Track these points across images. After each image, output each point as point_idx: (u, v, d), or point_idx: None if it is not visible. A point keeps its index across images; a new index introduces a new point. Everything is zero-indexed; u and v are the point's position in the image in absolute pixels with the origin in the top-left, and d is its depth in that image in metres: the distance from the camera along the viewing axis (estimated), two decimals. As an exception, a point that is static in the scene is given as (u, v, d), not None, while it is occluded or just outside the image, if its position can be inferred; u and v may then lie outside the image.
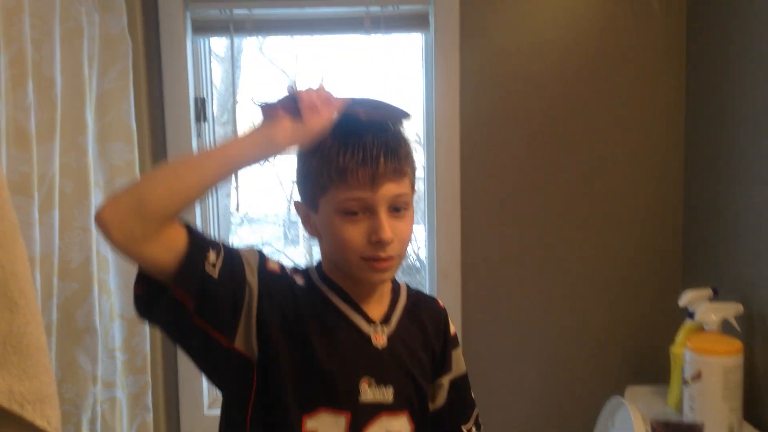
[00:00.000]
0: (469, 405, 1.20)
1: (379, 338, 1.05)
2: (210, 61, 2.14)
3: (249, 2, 1.99)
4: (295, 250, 5.96)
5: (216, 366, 0.99)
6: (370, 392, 1.02)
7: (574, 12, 1.97)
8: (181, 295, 0.89)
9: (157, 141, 2.00)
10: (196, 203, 0.98)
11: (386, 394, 1.03)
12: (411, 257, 3.48)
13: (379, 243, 0.96)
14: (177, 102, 1.99)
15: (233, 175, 1.00)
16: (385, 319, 1.07)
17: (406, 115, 1.04)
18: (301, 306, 1.01)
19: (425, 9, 2.00)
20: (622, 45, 1.96)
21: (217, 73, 2.24)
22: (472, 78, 1.98)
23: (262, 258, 1.01)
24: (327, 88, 1.00)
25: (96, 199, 1.73)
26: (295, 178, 1.05)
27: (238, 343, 0.95)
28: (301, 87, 0.98)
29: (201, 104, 2.06)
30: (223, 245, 0.96)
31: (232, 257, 0.95)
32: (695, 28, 1.92)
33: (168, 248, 0.88)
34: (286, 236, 5.97)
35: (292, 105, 0.96)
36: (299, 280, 1.05)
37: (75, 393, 1.64)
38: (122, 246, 0.84)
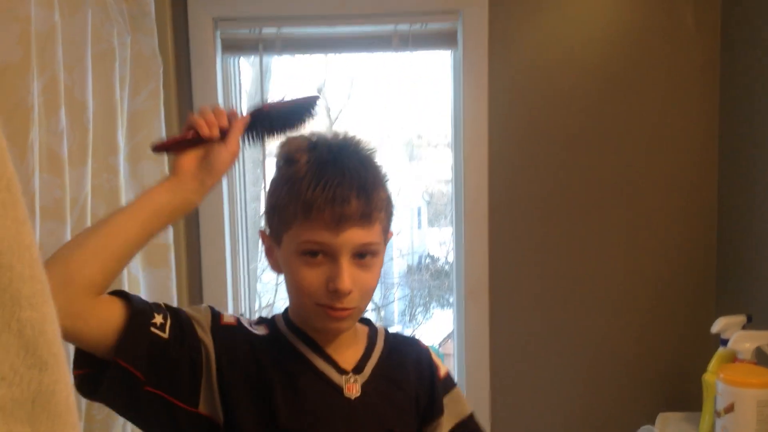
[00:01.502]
0: None
1: (352, 388, 0.95)
2: (239, 80, 2.15)
3: (278, 21, 2.00)
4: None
5: None
6: None
7: (604, 27, 1.95)
8: (127, 365, 0.82)
9: (186, 159, 2.01)
10: (125, 268, 0.94)
11: None
12: (440, 263, 3.46)
13: (336, 293, 0.89)
14: (207, 120, 2.01)
15: (161, 230, 0.92)
16: (358, 368, 0.98)
17: (313, 99, 0.98)
18: (264, 359, 0.94)
19: (453, 27, 1.99)
20: (655, 60, 1.93)
21: (247, 79, 2.25)
22: (500, 95, 1.97)
23: (214, 314, 0.94)
24: (224, 107, 0.94)
25: (127, 218, 1.75)
26: (265, 205, 0.99)
27: (203, 408, 0.89)
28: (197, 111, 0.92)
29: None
30: (167, 308, 0.90)
31: (180, 318, 0.89)
32: (729, 44, 1.88)
33: (104, 320, 0.82)
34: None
35: (189, 136, 0.90)
36: (261, 331, 0.98)
37: (106, 413, 1.65)
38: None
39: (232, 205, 2.11)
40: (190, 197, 0.91)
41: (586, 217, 1.98)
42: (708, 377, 1.63)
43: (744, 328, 1.60)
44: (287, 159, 0.94)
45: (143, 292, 1.84)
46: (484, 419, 2.00)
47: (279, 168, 0.95)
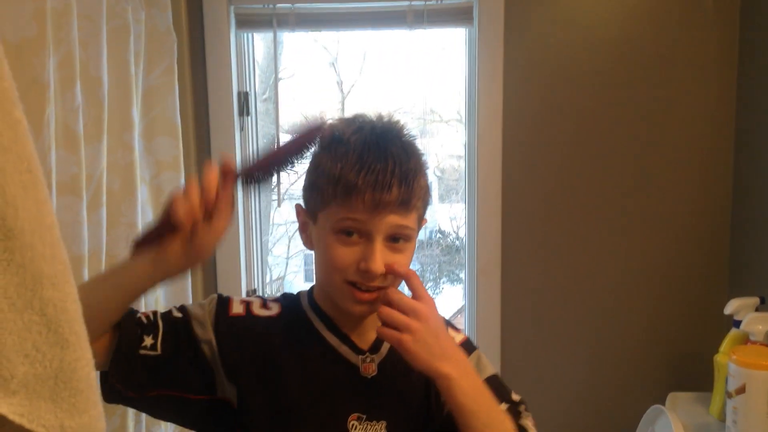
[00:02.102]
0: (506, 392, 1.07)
1: (369, 367, 0.97)
2: (253, 56, 2.15)
3: (292, -4, 1.98)
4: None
5: (199, 417, 0.97)
6: (360, 430, 0.94)
7: (621, 6, 1.92)
8: (121, 386, 0.89)
9: (201, 135, 2.02)
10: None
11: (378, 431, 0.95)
12: (450, 238, 3.47)
13: (367, 272, 0.89)
14: (220, 97, 2.01)
15: (141, 296, 0.91)
16: (375, 347, 0.99)
17: (314, 133, 0.92)
18: (275, 339, 0.96)
19: (469, 3, 1.97)
20: (671, 41, 1.91)
21: (259, 53, 2.23)
22: (516, 73, 1.95)
23: (220, 307, 0.97)
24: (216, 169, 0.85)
25: (142, 194, 1.77)
26: (303, 180, 0.98)
27: (221, 394, 0.94)
28: (175, 197, 0.83)
29: (244, 98, 2.07)
30: (164, 318, 0.94)
31: (176, 326, 0.93)
32: (748, 26, 1.85)
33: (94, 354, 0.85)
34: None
35: (167, 229, 0.84)
36: (274, 310, 1.00)
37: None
38: None
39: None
40: (172, 273, 0.88)
41: (599, 196, 1.97)
42: (720, 358, 1.63)
43: (757, 309, 1.60)
44: (331, 138, 0.93)
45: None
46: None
47: (322, 146, 0.94)
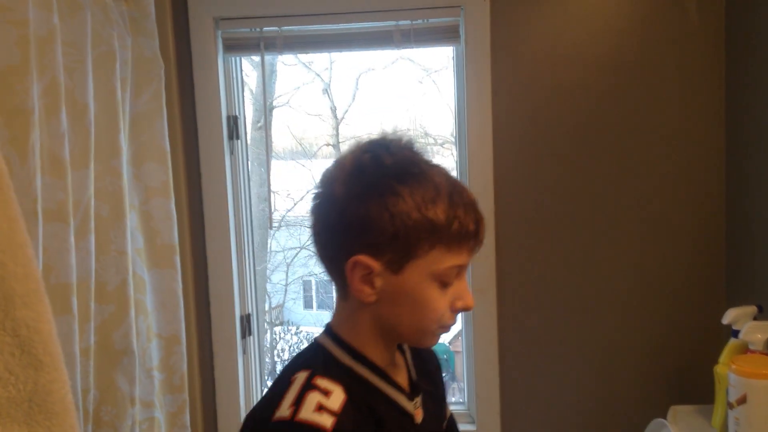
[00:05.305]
0: None
1: (419, 414, 0.92)
2: (242, 79, 2.15)
3: (279, 20, 1.99)
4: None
5: None
6: None
7: (607, 20, 1.93)
8: None
9: (190, 160, 2.02)
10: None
11: None
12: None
13: (464, 310, 0.88)
14: (209, 121, 2.01)
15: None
16: (414, 389, 0.94)
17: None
18: (364, 428, 0.85)
19: (455, 21, 1.97)
20: (659, 54, 1.91)
21: (252, 80, 2.24)
22: (504, 90, 1.95)
23: None
24: None
25: (131, 221, 1.75)
26: (357, 225, 0.84)
27: None
28: None
29: (233, 122, 2.07)
30: None
31: None
32: (734, 37, 1.86)
33: None
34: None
35: None
36: (339, 400, 0.82)
37: (114, 415, 1.65)
38: None
39: (237, 206, 2.10)
40: None
41: (593, 210, 1.96)
42: (720, 369, 1.61)
43: (755, 318, 1.58)
44: (418, 181, 0.85)
45: (150, 294, 1.83)
46: (494, 415, 1.99)
47: (401, 189, 0.83)
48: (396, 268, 0.84)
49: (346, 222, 0.84)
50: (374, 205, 0.82)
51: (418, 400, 0.93)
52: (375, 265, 0.84)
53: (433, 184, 0.84)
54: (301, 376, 0.83)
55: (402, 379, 0.94)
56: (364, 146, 0.88)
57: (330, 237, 0.88)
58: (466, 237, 0.85)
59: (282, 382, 0.85)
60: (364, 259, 0.84)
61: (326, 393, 0.81)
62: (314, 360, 0.88)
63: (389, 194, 0.83)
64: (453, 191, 0.85)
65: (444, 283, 0.86)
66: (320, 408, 0.79)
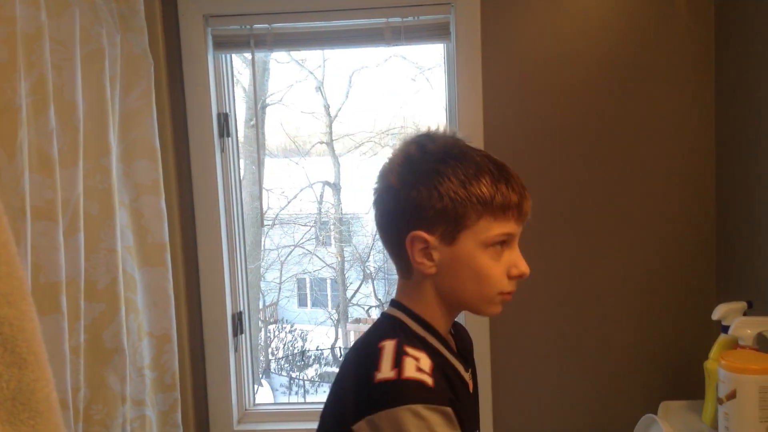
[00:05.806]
0: None
1: (471, 384, 1.02)
2: (232, 77, 2.14)
3: (269, 17, 1.98)
4: (327, 251, 5.98)
5: None
6: None
7: (597, 17, 1.93)
8: None
9: (181, 158, 2.01)
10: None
11: None
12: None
13: (520, 277, 0.97)
14: (200, 118, 2.00)
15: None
16: (465, 359, 1.04)
17: None
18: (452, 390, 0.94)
19: (446, 19, 1.97)
20: (649, 50, 1.91)
21: (245, 78, 2.23)
22: (495, 87, 1.95)
23: (439, 400, 0.88)
24: None
25: (121, 219, 1.74)
26: (411, 207, 0.94)
27: None
28: None
29: (224, 120, 2.06)
30: None
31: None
32: (723, 33, 1.86)
33: None
34: (317, 238, 5.99)
35: None
36: (424, 360, 0.91)
37: (105, 413, 1.65)
38: None
39: (228, 203, 2.10)
40: None
41: (584, 207, 1.96)
42: (709, 364, 1.62)
43: (745, 314, 1.59)
44: (460, 161, 0.95)
45: (140, 292, 1.83)
46: (486, 409, 2.00)
47: (446, 170, 0.94)
48: (449, 239, 0.94)
49: (402, 206, 0.95)
50: (424, 188, 0.93)
51: (470, 370, 1.03)
52: (430, 238, 0.94)
53: (474, 162, 0.94)
54: (389, 344, 0.92)
55: (450, 339, 1.03)
56: (410, 139, 0.99)
57: (390, 222, 0.98)
58: (510, 207, 0.93)
59: (367, 350, 0.95)
60: (420, 233, 0.94)
61: (416, 359, 0.90)
62: (394, 331, 0.96)
63: (435, 175, 0.93)
64: (494, 168, 0.95)
65: (497, 251, 0.95)
66: (419, 369, 0.89)
